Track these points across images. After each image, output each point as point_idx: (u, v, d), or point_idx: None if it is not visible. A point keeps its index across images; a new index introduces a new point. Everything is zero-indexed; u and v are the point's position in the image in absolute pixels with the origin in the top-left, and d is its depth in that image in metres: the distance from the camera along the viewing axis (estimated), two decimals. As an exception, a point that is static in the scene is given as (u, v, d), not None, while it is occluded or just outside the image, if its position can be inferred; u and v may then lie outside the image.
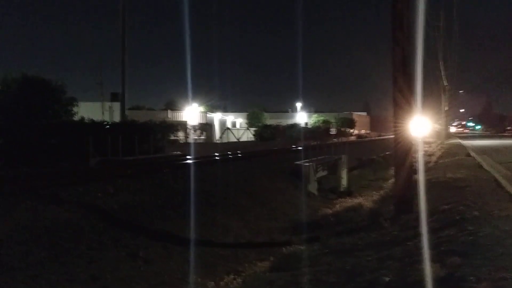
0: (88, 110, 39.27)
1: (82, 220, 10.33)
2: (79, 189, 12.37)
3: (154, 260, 9.41)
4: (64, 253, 8.76)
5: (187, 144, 41.53)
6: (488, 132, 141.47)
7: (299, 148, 33.35)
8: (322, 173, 23.04)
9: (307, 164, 20.90)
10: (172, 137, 39.10)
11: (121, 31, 35.41)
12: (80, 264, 8.43)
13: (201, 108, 64.68)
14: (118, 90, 38.69)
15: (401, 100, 9.92)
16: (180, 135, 45.09)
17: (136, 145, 27.49)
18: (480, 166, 16.95)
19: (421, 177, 14.74)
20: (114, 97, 53.31)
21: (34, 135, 23.40)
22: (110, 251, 9.25)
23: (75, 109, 33.17)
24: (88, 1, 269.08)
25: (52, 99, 27.53)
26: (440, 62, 42.85)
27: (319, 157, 23.20)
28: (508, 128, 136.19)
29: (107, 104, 55.81)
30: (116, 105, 45.69)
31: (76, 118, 31.60)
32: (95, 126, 27.68)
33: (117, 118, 40.49)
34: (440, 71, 45.18)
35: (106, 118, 49.23)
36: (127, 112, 38.40)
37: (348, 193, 20.39)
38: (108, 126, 28.67)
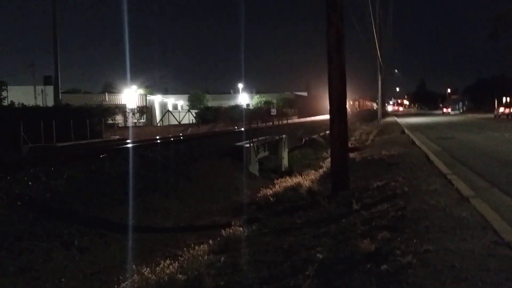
0: (19, 95, 37.49)
1: (10, 210, 9.82)
2: (7, 178, 11.75)
3: (90, 249, 9.11)
4: (-10, 246, 8.30)
5: (126, 128, 40.67)
6: (422, 110, 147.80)
7: (241, 129, 33.38)
8: (263, 154, 23.15)
9: (248, 145, 20.88)
10: (110, 121, 38.24)
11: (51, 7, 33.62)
12: (9, 256, 8.01)
13: (141, 91, 63.04)
14: (52, 73, 36.93)
15: (336, 79, 10.04)
16: (119, 118, 44.00)
17: (72, 130, 26.64)
18: (413, 143, 17.67)
19: (357, 155, 15.19)
20: (47, 81, 50.88)
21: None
22: (42, 241, 8.85)
23: (4, 93, 31.64)
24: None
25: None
26: (376, 42, 43.90)
27: (260, 138, 23.25)
28: (441, 105, 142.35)
29: (40, 88, 53.32)
30: (50, 89, 43.71)
31: (5, 103, 30.21)
32: (27, 111, 26.52)
33: (51, 102, 38.87)
34: (377, 51, 46.33)
35: (39, 102, 47.15)
36: (62, 96, 36.88)
37: (289, 172, 20.51)
38: (40, 111, 27.54)
